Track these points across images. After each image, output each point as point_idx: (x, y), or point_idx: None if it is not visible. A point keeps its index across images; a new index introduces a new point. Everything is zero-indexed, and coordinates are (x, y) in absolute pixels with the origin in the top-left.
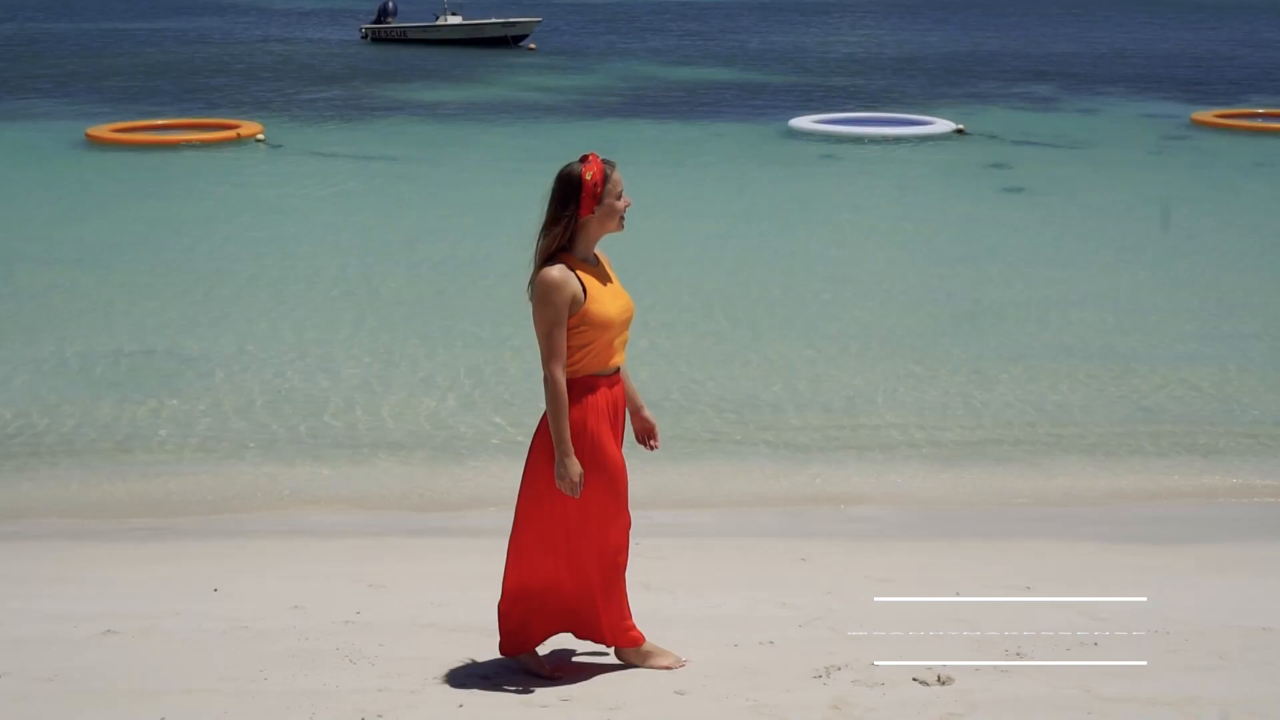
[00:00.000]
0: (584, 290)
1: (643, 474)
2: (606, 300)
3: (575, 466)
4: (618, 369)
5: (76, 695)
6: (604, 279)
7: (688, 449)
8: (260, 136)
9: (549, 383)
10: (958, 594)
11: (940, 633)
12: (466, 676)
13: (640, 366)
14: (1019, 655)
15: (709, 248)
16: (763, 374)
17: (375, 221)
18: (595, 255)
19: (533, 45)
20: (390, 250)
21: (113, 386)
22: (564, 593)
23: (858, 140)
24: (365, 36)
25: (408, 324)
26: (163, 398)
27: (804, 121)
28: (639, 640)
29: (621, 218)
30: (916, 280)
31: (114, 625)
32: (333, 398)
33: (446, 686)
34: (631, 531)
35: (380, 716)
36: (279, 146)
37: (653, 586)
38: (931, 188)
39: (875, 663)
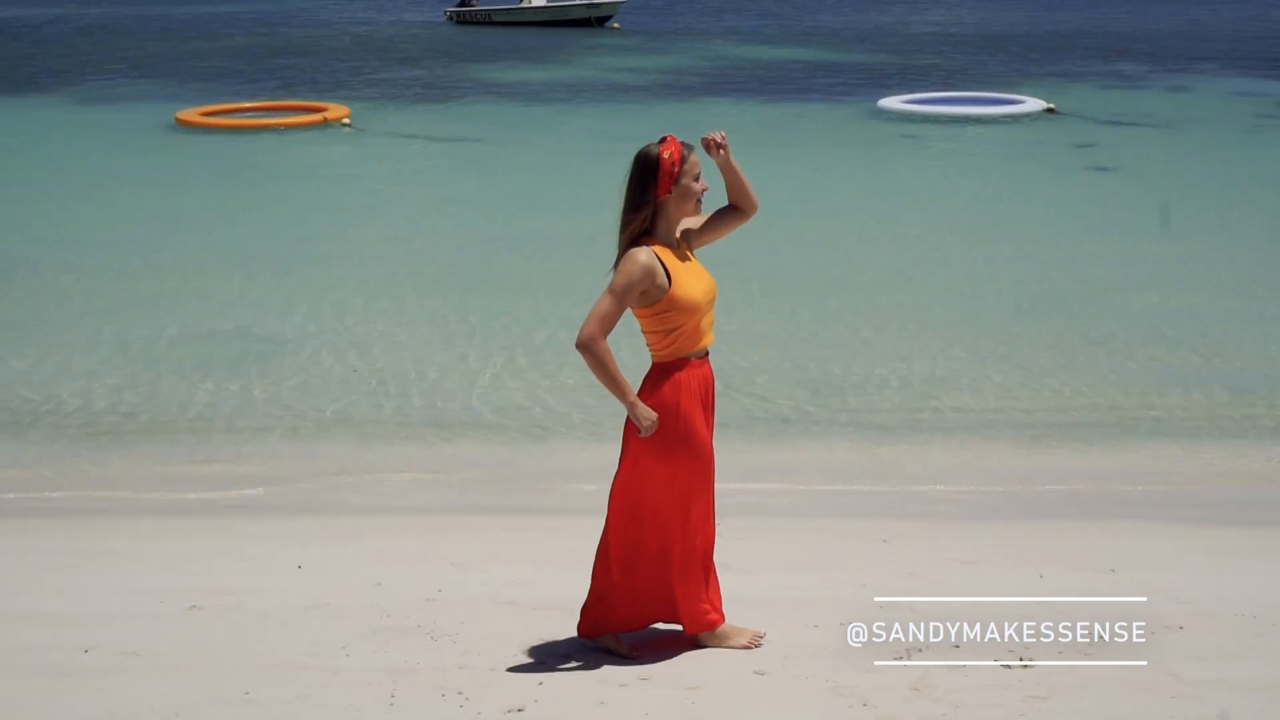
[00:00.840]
0: (668, 276)
1: (725, 453)
2: (691, 283)
3: (646, 412)
4: (707, 350)
5: (161, 670)
6: (685, 258)
7: (769, 428)
8: (346, 120)
9: (581, 346)
10: (1041, 576)
11: (1023, 614)
12: (546, 655)
13: (722, 346)
14: (1103, 638)
15: (794, 228)
16: (846, 354)
17: (459, 203)
18: (677, 238)
19: (616, 25)
20: (475, 231)
21: (199, 365)
22: (649, 577)
23: (947, 120)
24: (450, 19)
25: (491, 303)
26: (249, 377)
27: (892, 101)
28: (714, 624)
29: (698, 201)
30: (1003, 260)
31: (199, 601)
32: (417, 376)
33: (526, 664)
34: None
35: (460, 693)
36: (364, 130)
37: (732, 567)
38: (1019, 167)
39: (956, 644)
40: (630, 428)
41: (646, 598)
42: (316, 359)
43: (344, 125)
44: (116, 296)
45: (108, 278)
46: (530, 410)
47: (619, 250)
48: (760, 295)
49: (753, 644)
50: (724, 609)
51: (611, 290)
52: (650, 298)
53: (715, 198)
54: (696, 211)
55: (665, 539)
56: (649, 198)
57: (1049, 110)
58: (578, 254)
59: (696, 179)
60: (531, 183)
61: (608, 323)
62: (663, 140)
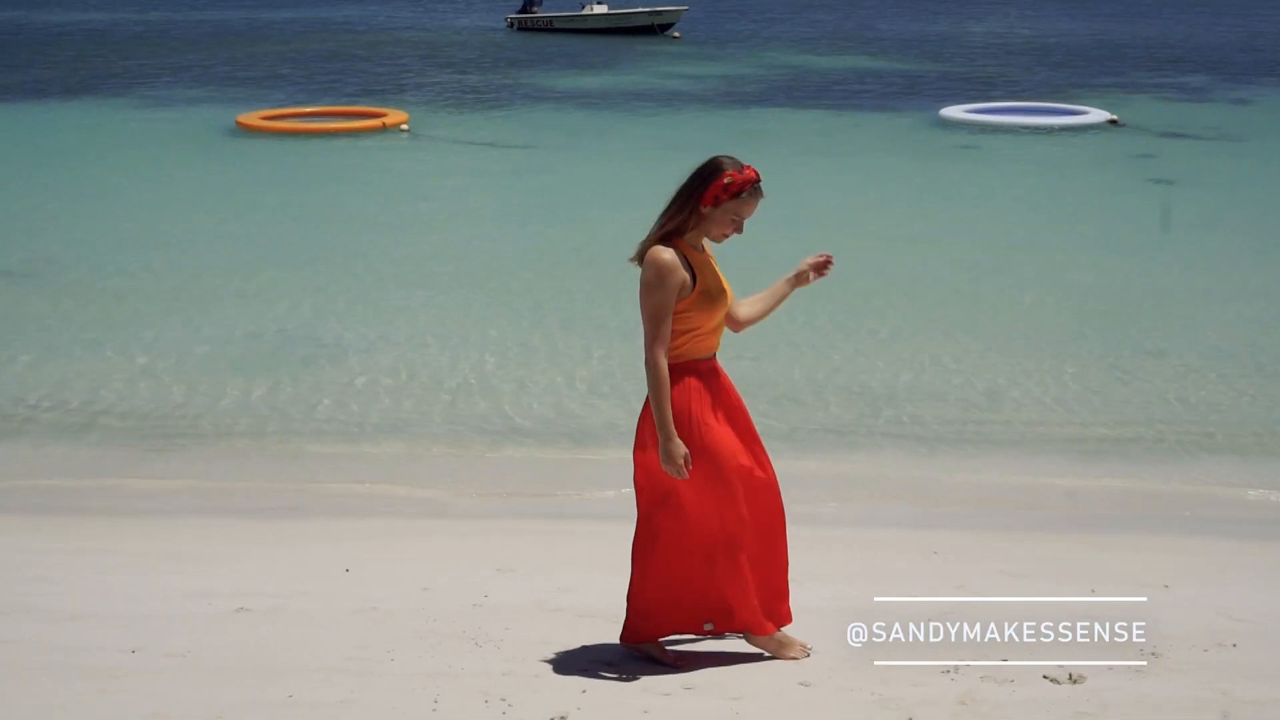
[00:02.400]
0: (693, 277)
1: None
2: (714, 286)
3: (679, 448)
4: (714, 354)
5: (207, 671)
6: (710, 265)
7: (819, 439)
8: (405, 126)
9: (651, 366)
10: (1093, 591)
11: (1073, 629)
12: (590, 662)
13: (774, 356)
14: (1154, 654)
15: (852, 237)
16: (898, 364)
17: (517, 210)
18: (703, 244)
19: (677, 34)
20: (530, 238)
21: (252, 369)
22: (686, 581)
23: (1009, 130)
24: (511, 25)
25: (543, 310)
26: (300, 380)
27: (955, 111)
28: (768, 628)
29: (725, 235)
30: (1061, 272)
31: (245, 603)
32: (466, 382)
33: (569, 671)
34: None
35: (504, 699)
36: (423, 136)
37: None
38: (1082, 179)
39: (1005, 659)
40: (644, 427)
41: (686, 602)
42: (369, 363)
43: (402, 131)
44: (172, 299)
45: (165, 280)
46: (580, 416)
47: (647, 238)
48: (814, 304)
49: (801, 656)
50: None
51: (653, 308)
52: (678, 296)
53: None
54: (718, 240)
55: (700, 541)
56: (692, 203)
57: (1112, 122)
58: (629, 263)
59: (738, 219)
60: (589, 190)
61: (664, 332)
62: (745, 166)
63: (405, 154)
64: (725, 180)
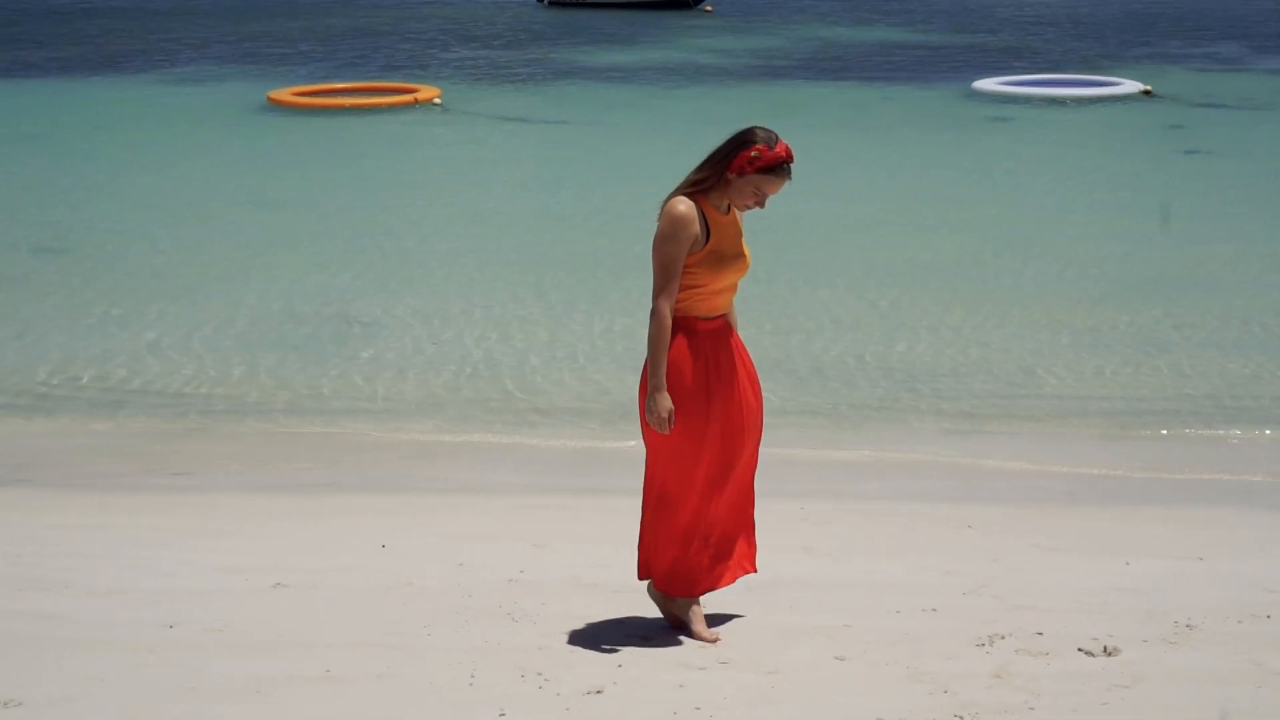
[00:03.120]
0: (707, 234)
1: (811, 439)
2: (728, 250)
3: (665, 401)
4: (722, 315)
5: (244, 646)
6: (732, 226)
7: (854, 412)
8: (437, 100)
9: (653, 314)
10: (1127, 563)
11: (1108, 602)
12: (626, 636)
13: (810, 331)
14: (1189, 627)
15: (884, 210)
16: (932, 339)
17: (550, 184)
18: (728, 207)
19: (709, 7)
20: (565, 212)
21: (285, 345)
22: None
23: (1041, 102)
24: (543, 1)
25: (579, 285)
26: (335, 356)
27: (987, 83)
28: (681, 590)
29: (748, 206)
30: (1095, 243)
31: (283, 579)
32: (503, 357)
33: (606, 645)
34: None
35: (540, 674)
36: (455, 111)
37: (815, 551)
38: (1115, 150)
39: (1040, 632)
40: (642, 387)
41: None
42: (404, 339)
43: (435, 105)
44: (205, 276)
45: (199, 256)
46: (614, 392)
47: (671, 192)
48: (847, 279)
49: (708, 640)
50: (806, 595)
51: (664, 258)
52: (690, 249)
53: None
54: (741, 210)
55: (663, 496)
56: (722, 166)
57: (1145, 93)
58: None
59: (759, 194)
60: (622, 164)
61: (671, 284)
62: (779, 143)
63: (438, 129)
64: (753, 153)
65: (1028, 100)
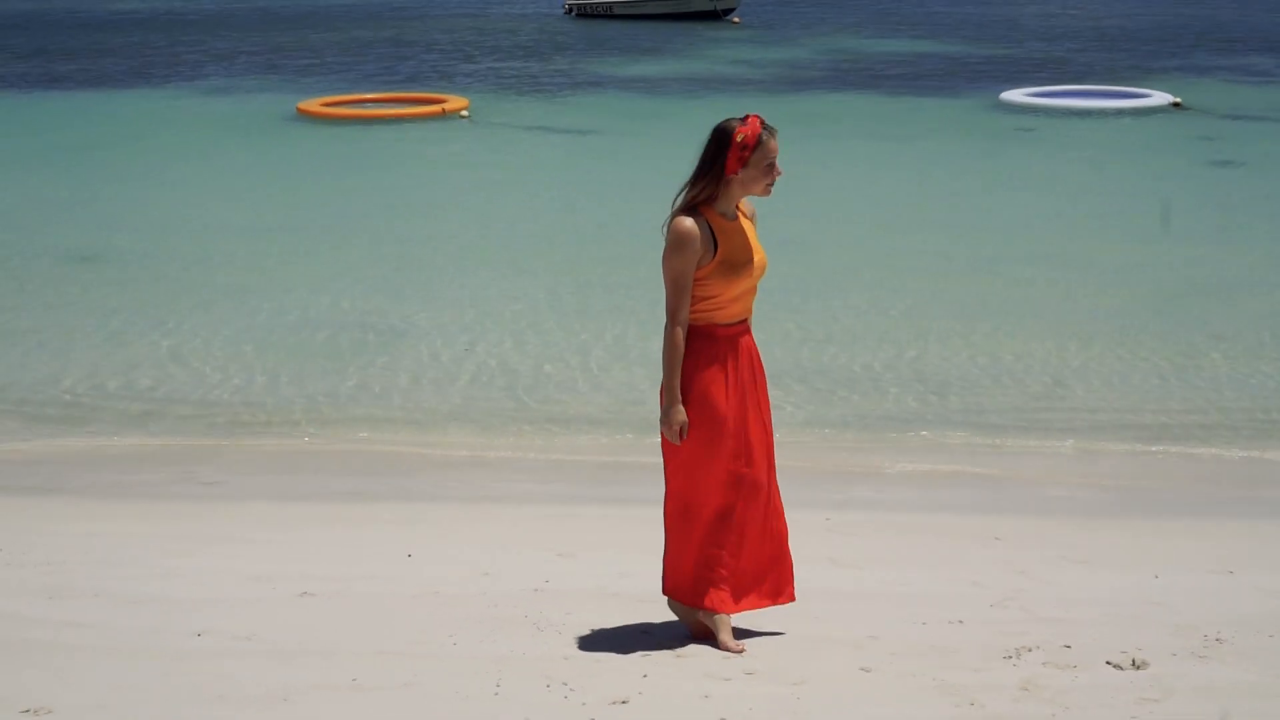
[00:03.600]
0: (716, 245)
1: (837, 450)
2: (739, 256)
3: (680, 414)
4: (743, 320)
5: (271, 655)
6: (740, 234)
7: (881, 424)
8: (465, 112)
9: (667, 331)
10: (1156, 576)
11: (1136, 615)
12: (651, 647)
13: (837, 341)
14: (1218, 640)
15: (912, 221)
16: (960, 350)
17: (578, 195)
18: (736, 209)
19: (737, 19)
20: (593, 222)
21: (313, 355)
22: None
23: (1070, 114)
24: (569, 11)
25: (607, 294)
26: (362, 365)
27: (1015, 95)
28: (708, 606)
29: (768, 184)
30: (1125, 256)
31: (309, 587)
32: (529, 367)
33: (631, 656)
34: (809, 507)
35: (565, 684)
36: (483, 122)
37: (842, 562)
38: (1142, 162)
39: (1068, 644)
40: (662, 400)
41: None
42: (431, 348)
43: (463, 116)
44: (233, 286)
45: (226, 267)
46: (640, 402)
47: (672, 210)
48: (874, 290)
49: (734, 650)
50: (830, 606)
51: (673, 274)
52: (698, 263)
53: (837, 186)
54: (765, 193)
55: (685, 507)
56: (716, 171)
57: (1175, 105)
58: None
59: (770, 164)
60: (648, 175)
61: (681, 297)
62: (744, 119)
63: (466, 140)
64: (739, 139)
65: (1055, 112)
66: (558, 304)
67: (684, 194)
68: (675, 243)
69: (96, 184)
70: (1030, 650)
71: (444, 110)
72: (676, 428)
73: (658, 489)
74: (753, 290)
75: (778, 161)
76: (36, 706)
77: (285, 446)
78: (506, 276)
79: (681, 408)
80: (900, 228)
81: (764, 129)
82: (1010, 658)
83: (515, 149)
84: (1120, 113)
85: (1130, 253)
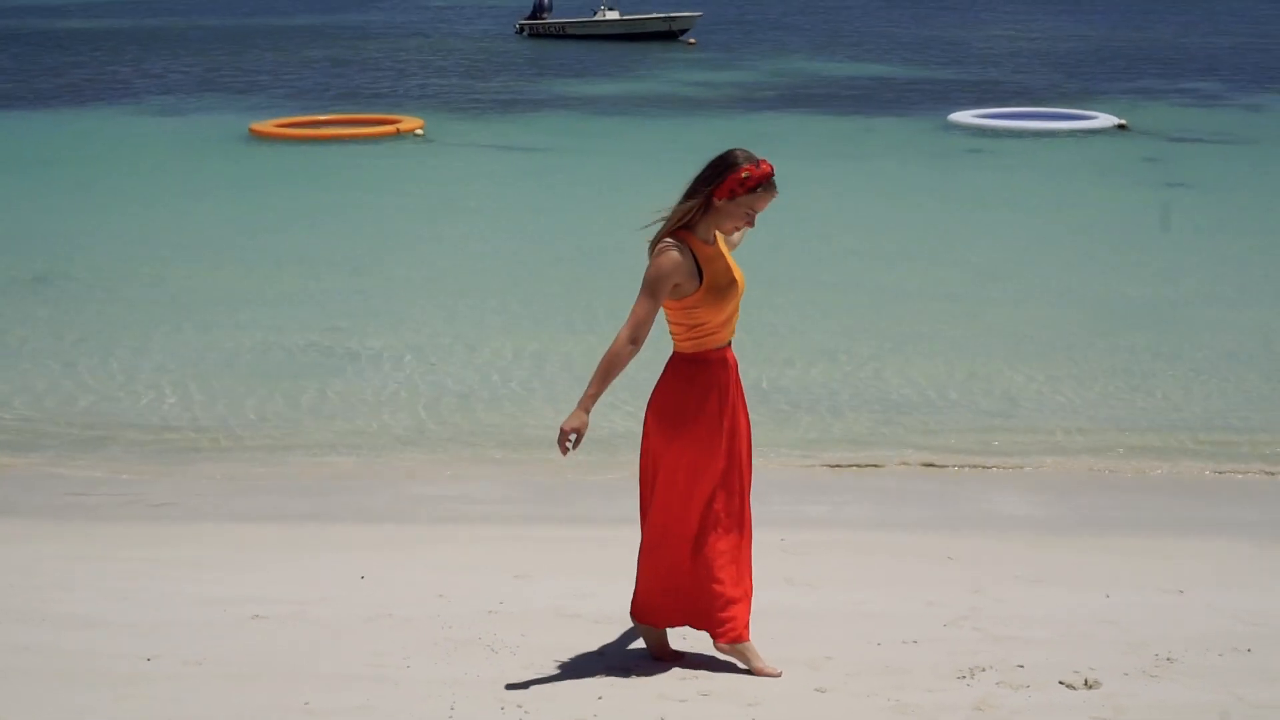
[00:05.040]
0: (700, 275)
1: (790, 470)
2: (722, 282)
3: (575, 421)
4: (729, 343)
5: (223, 679)
6: (719, 259)
7: (835, 444)
8: (420, 131)
9: (618, 342)
10: (1108, 595)
11: (1089, 634)
12: (607, 668)
13: (789, 361)
14: (1169, 660)
15: (862, 242)
16: (912, 370)
17: (532, 215)
18: (714, 235)
19: (692, 40)
20: (547, 242)
21: (267, 376)
22: (674, 570)
23: (1017, 135)
24: (521, 31)
25: (558, 316)
26: (315, 386)
27: (964, 116)
28: (739, 637)
29: (737, 228)
30: (1071, 277)
31: (261, 610)
32: (481, 390)
33: (586, 677)
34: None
35: (520, 706)
36: (437, 141)
37: (796, 581)
38: (1089, 183)
39: (1021, 664)
40: (653, 414)
41: (676, 593)
42: (384, 370)
43: (417, 135)
44: (188, 308)
45: (180, 289)
46: (595, 423)
47: (661, 229)
48: (825, 311)
49: (772, 674)
50: (788, 625)
51: (644, 290)
52: (681, 292)
53: (789, 208)
54: (728, 233)
55: (665, 529)
56: (706, 193)
57: (1121, 127)
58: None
59: (749, 215)
60: (603, 195)
61: (642, 326)
62: (761, 160)
63: (420, 160)
64: (742, 175)
65: (1003, 133)
66: (512, 325)
67: (673, 210)
68: (655, 275)
69: (45, 205)
70: (984, 670)
71: (398, 130)
72: (570, 436)
73: (613, 509)
74: (736, 312)
75: (758, 218)
76: None
77: (237, 469)
78: (461, 296)
79: (584, 418)
80: (851, 248)
81: (769, 182)
82: (964, 678)
83: (470, 169)
84: (1067, 134)
85: (1079, 273)
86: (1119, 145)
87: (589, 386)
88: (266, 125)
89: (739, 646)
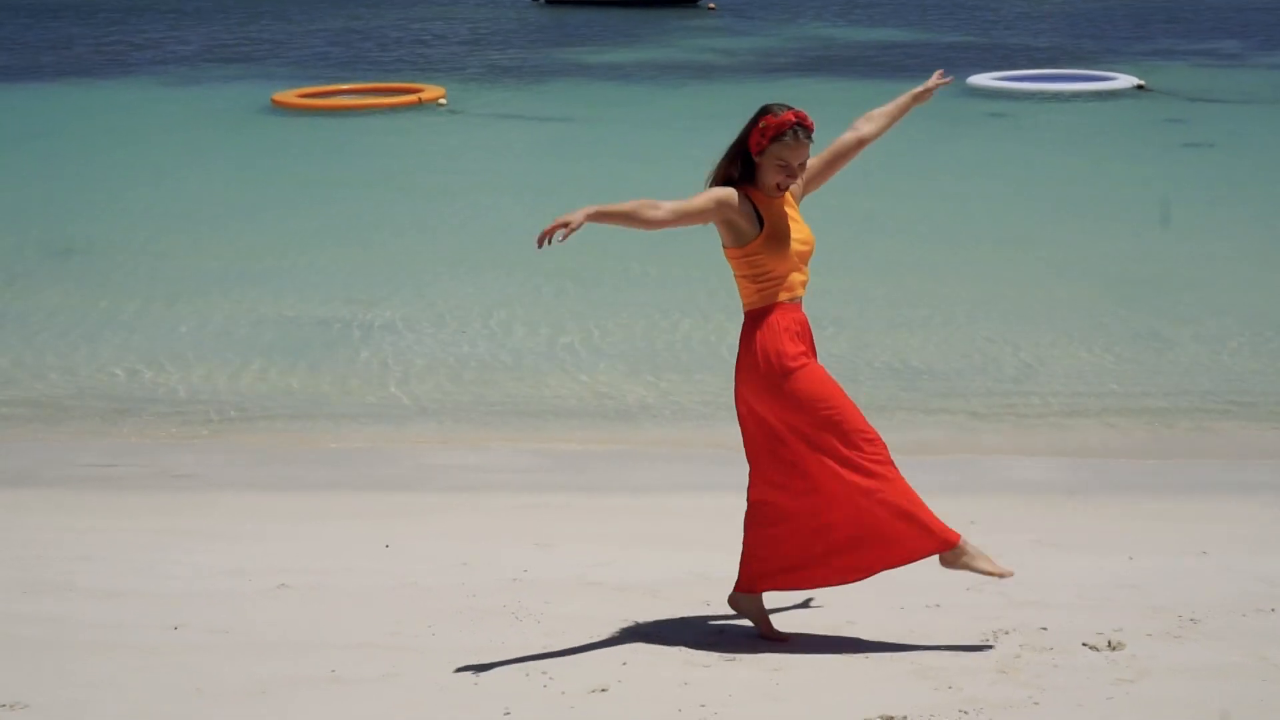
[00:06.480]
0: (760, 220)
1: None
2: (785, 230)
3: (572, 215)
4: (800, 299)
5: (249, 648)
6: (783, 213)
7: None
8: (442, 101)
9: (649, 202)
10: (1131, 558)
11: (1111, 597)
12: (630, 635)
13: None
14: (1193, 621)
15: (881, 207)
16: (932, 334)
17: (554, 184)
18: (779, 190)
19: (712, 5)
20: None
21: (291, 347)
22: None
23: (1036, 97)
24: (538, 0)
25: (581, 287)
26: (338, 357)
27: (983, 79)
28: (943, 545)
29: (776, 184)
30: (1092, 239)
31: (287, 580)
32: (503, 359)
33: (610, 644)
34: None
35: (544, 673)
36: (460, 111)
37: None
38: (1109, 144)
39: (1044, 627)
40: (743, 391)
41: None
42: (408, 341)
43: (440, 105)
44: (208, 279)
45: (203, 261)
46: (616, 392)
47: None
48: (846, 276)
49: (1005, 573)
50: (807, 591)
51: (701, 195)
52: (742, 236)
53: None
54: (774, 192)
55: (815, 487)
56: (741, 153)
57: (1140, 87)
58: (670, 236)
59: (781, 167)
60: (624, 162)
61: (679, 210)
62: (788, 108)
63: (442, 129)
64: (762, 124)
65: (1022, 95)
66: (536, 295)
67: (715, 169)
68: (714, 193)
69: (68, 176)
70: (1007, 633)
71: (420, 100)
72: (559, 228)
73: (635, 479)
74: (806, 273)
75: (801, 167)
76: (12, 702)
77: (260, 439)
78: (483, 267)
79: (582, 218)
80: (870, 213)
81: (791, 130)
82: (987, 641)
83: (492, 138)
84: (1086, 96)
85: (1100, 235)
86: (1139, 106)
87: (607, 205)
88: (289, 95)
89: (957, 551)
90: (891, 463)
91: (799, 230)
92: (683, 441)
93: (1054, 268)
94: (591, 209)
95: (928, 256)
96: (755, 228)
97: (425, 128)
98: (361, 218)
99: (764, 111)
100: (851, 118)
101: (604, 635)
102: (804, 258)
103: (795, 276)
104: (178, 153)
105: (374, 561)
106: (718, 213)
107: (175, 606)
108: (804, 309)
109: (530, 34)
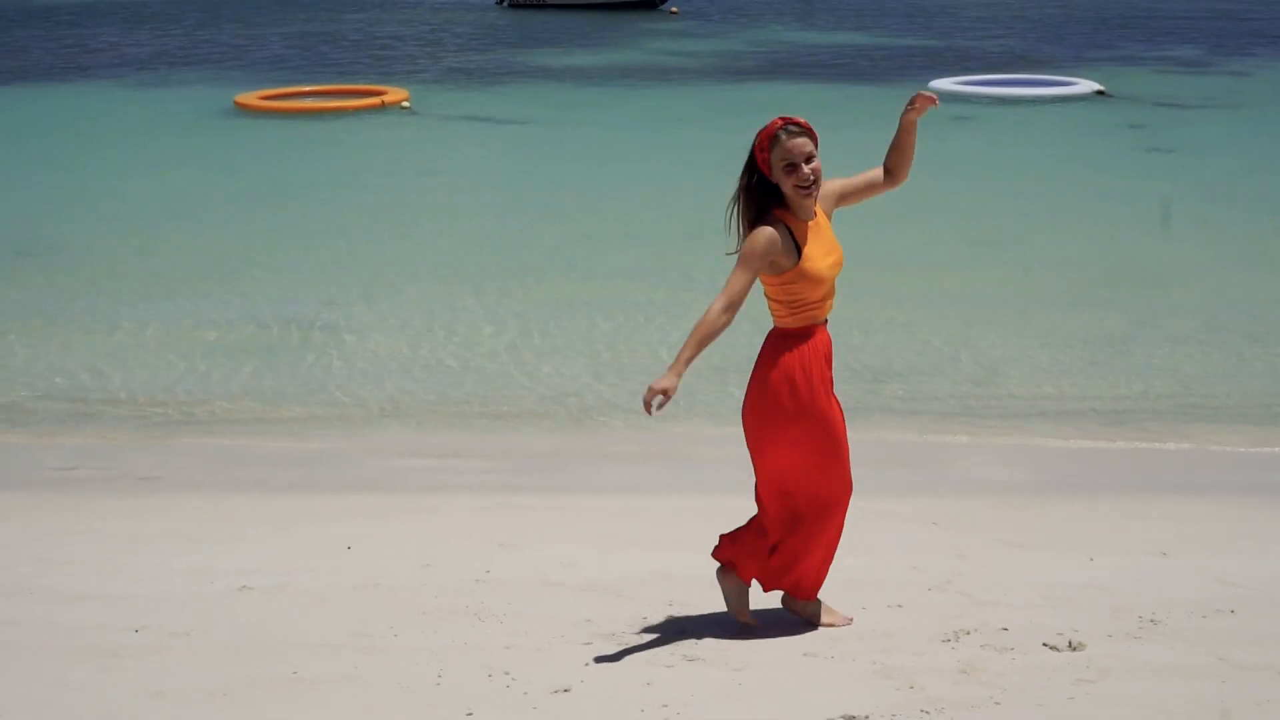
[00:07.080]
0: (799, 249)
1: None
2: (820, 257)
3: (666, 382)
4: (827, 319)
5: (210, 649)
6: (818, 234)
7: None
8: (406, 103)
9: (709, 312)
10: (1091, 558)
11: (1072, 598)
12: (593, 635)
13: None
14: (1153, 622)
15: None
16: (896, 337)
17: (517, 186)
18: (816, 209)
19: (675, 9)
20: (533, 214)
21: (252, 348)
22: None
23: (996, 101)
24: (501, 2)
25: (544, 286)
26: (300, 358)
27: (943, 83)
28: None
29: (796, 186)
30: (1053, 243)
31: (248, 581)
32: (467, 359)
33: (573, 644)
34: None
35: (507, 673)
36: (423, 113)
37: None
38: (1070, 149)
39: (1005, 627)
40: (751, 404)
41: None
42: (369, 341)
43: (404, 108)
44: (172, 281)
45: (164, 262)
46: (580, 393)
47: (742, 223)
48: None
49: (842, 623)
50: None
51: (740, 264)
52: (779, 268)
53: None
54: (798, 195)
55: (824, 504)
56: (753, 175)
57: (1100, 93)
58: (632, 237)
59: (790, 166)
60: (588, 166)
61: (736, 298)
62: (776, 118)
63: (405, 131)
64: (757, 142)
65: (983, 100)
66: (499, 295)
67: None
68: (753, 249)
69: (27, 179)
70: (969, 633)
71: (384, 102)
72: (657, 395)
73: (600, 480)
74: (833, 290)
75: (810, 161)
76: None
77: (223, 441)
78: (447, 269)
79: (673, 382)
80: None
81: (782, 128)
82: (949, 641)
83: (456, 140)
84: (1047, 100)
85: (1061, 239)
86: (1100, 111)
87: (682, 351)
88: (251, 98)
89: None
90: (843, 509)
91: (833, 253)
92: (645, 442)
93: (1017, 270)
94: (677, 368)
95: (889, 259)
96: (793, 259)
97: (389, 130)
98: (325, 220)
99: (758, 133)
100: (815, 120)
101: (567, 635)
102: (835, 278)
103: (829, 298)
104: (139, 155)
105: (336, 562)
106: (763, 262)
107: (137, 608)
108: (827, 326)
109: (493, 37)
